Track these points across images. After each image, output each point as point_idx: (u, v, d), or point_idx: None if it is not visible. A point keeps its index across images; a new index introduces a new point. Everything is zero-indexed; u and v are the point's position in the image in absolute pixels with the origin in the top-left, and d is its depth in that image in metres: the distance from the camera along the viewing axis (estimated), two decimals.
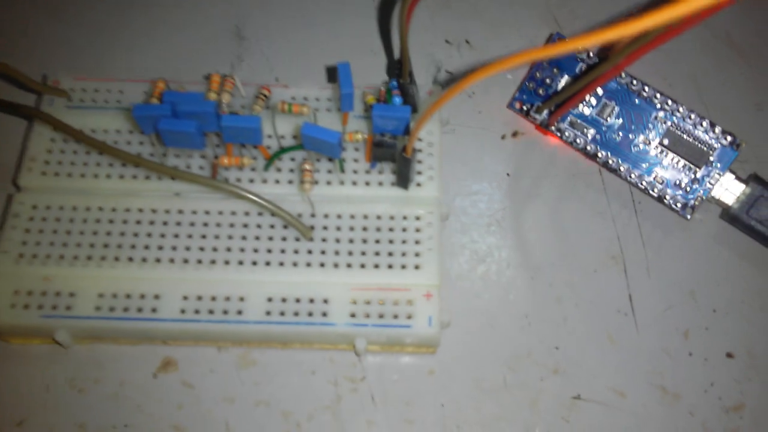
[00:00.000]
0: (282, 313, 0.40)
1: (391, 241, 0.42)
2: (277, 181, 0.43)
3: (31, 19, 0.52)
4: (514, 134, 0.49)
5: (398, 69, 0.44)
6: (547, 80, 0.48)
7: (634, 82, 0.46)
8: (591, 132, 0.47)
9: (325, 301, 0.40)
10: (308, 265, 0.41)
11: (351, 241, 0.42)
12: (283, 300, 0.40)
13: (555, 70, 0.48)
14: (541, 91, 0.48)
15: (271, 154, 0.43)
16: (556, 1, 0.54)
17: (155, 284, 0.40)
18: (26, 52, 0.44)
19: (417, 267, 0.41)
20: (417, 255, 0.42)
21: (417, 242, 0.42)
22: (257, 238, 0.42)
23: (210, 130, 0.41)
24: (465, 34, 0.53)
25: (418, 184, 0.44)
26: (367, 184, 0.44)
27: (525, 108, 0.49)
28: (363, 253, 0.42)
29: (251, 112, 0.43)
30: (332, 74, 0.51)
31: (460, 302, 0.43)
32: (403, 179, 0.43)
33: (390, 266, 0.41)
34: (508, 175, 0.48)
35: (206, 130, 0.41)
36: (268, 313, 0.40)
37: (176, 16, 0.53)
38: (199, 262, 0.41)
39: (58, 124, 0.41)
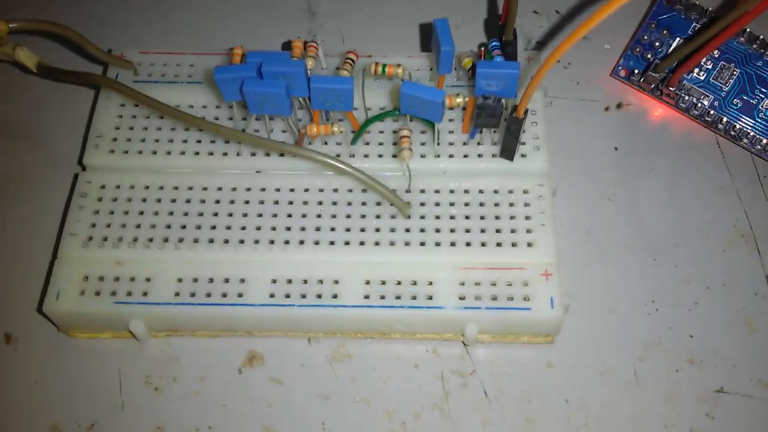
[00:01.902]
0: (382, 297, 0.35)
1: (497, 217, 0.37)
2: (366, 156, 0.39)
3: None
4: (619, 105, 0.45)
5: (500, 27, 0.40)
6: (657, 44, 0.44)
7: (758, 40, 0.42)
8: (708, 98, 0.42)
9: (430, 283, 0.36)
10: (407, 244, 0.37)
11: (452, 217, 0.37)
12: (383, 282, 0.36)
13: (665, 31, 0.43)
14: (649, 56, 0.44)
15: (359, 124, 0.39)
16: None
17: (240, 267, 0.36)
18: (88, 30, 0.40)
19: (530, 244, 0.37)
20: (529, 231, 0.37)
21: (527, 218, 0.37)
22: (348, 216, 0.38)
23: (298, 94, 0.37)
24: (554, 3, 0.49)
25: (523, 155, 0.39)
26: (466, 156, 0.39)
27: (632, 75, 0.44)
28: (467, 231, 0.37)
29: None
30: (425, 37, 0.46)
31: (575, 286, 0.38)
32: (508, 149, 0.38)
33: (499, 244, 0.37)
34: (615, 149, 0.43)
35: (294, 94, 0.37)
36: (366, 296, 0.35)
37: None
38: (287, 242, 0.37)
39: (127, 91, 0.37)
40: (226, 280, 0.36)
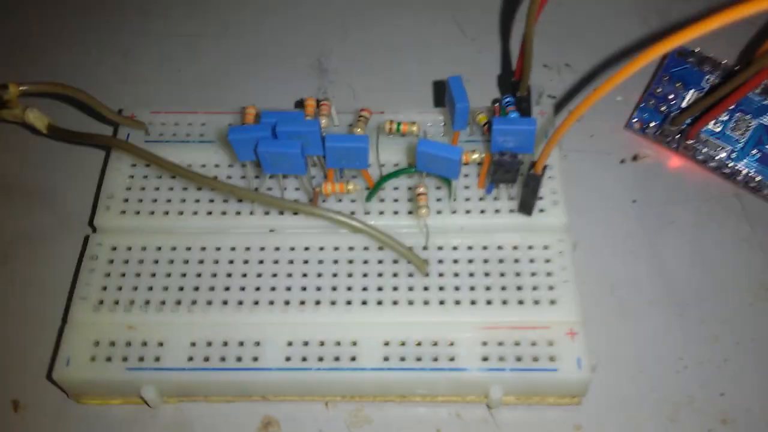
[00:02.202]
0: (402, 359, 0.34)
1: (518, 274, 0.37)
2: (381, 213, 0.39)
3: (101, 59, 0.49)
4: (635, 158, 0.44)
5: (514, 83, 0.40)
6: (670, 96, 0.43)
7: None
8: (725, 150, 0.42)
9: (452, 344, 0.34)
10: (426, 303, 0.36)
11: (471, 274, 0.37)
12: (402, 343, 0.35)
13: (678, 84, 0.43)
14: (663, 108, 0.43)
15: (374, 181, 0.38)
16: (656, 16, 0.50)
17: (255, 330, 0.35)
18: (98, 90, 0.40)
19: (553, 302, 0.36)
20: (551, 288, 0.36)
21: (549, 274, 0.36)
22: (365, 275, 0.37)
23: (312, 153, 0.36)
24: (564, 57, 0.49)
25: (541, 210, 0.38)
26: (482, 212, 0.39)
27: (647, 127, 0.44)
28: (488, 288, 0.36)
29: None
30: (438, 93, 0.46)
31: (600, 343, 0.37)
32: (526, 204, 0.38)
33: (521, 302, 0.36)
34: (634, 201, 0.42)
35: (309, 153, 0.36)
36: (386, 358, 0.34)
37: (254, 49, 0.49)
38: (302, 303, 0.36)
39: (138, 151, 0.36)
40: (241, 344, 0.35)
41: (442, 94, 0.45)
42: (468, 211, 0.39)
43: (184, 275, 0.37)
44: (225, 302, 0.36)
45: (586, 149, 0.45)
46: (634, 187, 0.43)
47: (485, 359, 0.34)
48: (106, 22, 0.51)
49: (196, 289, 0.36)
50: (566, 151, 0.44)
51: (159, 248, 0.38)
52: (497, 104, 0.39)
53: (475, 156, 0.37)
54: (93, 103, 0.39)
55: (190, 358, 0.34)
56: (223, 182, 0.36)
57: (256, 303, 0.36)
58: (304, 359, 0.34)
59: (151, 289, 0.36)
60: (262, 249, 0.38)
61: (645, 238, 0.41)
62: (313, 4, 0.52)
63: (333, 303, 0.36)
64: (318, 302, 0.36)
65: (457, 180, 0.37)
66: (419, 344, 0.35)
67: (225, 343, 0.35)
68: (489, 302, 0.36)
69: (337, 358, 0.34)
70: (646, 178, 0.44)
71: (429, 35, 0.50)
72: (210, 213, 0.39)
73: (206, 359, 0.34)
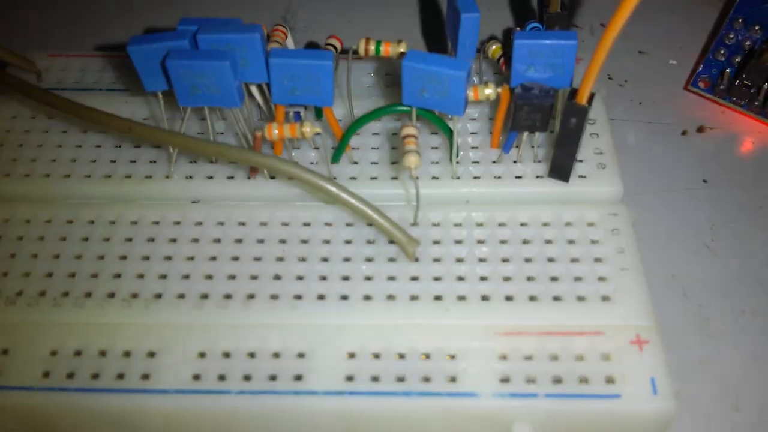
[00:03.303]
0: (375, 379, 0.22)
1: (551, 260, 0.24)
2: (353, 178, 0.27)
3: None
4: (700, 129, 0.33)
5: (541, 0, 0.29)
6: (747, 43, 0.32)
7: None
8: None
9: (453, 357, 0.22)
10: (414, 298, 0.24)
11: (483, 260, 0.24)
12: (376, 356, 0.22)
13: (756, 27, 0.32)
14: (737, 60, 0.32)
15: (343, 127, 0.27)
16: None
17: (151, 334, 0.23)
18: None
19: (607, 298, 0.23)
20: (603, 280, 0.24)
21: (598, 260, 0.24)
22: (324, 259, 0.25)
23: (251, 78, 0.25)
24: (598, 17, 0.38)
25: (581, 177, 0.27)
26: (498, 177, 0.27)
27: (717, 85, 0.32)
28: (506, 279, 0.24)
29: None
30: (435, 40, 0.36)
31: (676, 367, 0.24)
32: (563, 163, 0.26)
33: (557, 298, 0.23)
34: (704, 181, 0.31)
35: (246, 78, 0.25)
36: (349, 378, 0.22)
37: None
38: (227, 297, 0.24)
39: (26, 87, 0.25)
40: (126, 354, 0.22)
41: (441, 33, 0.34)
42: (477, 177, 0.27)
43: (56, 257, 0.25)
44: (111, 294, 0.24)
45: (634, 118, 0.34)
46: (704, 164, 0.32)
47: (505, 381, 0.22)
48: None
49: (72, 276, 0.24)
50: (610, 120, 0.33)
51: (27, 221, 0.26)
52: (517, 29, 0.28)
53: (488, 91, 0.25)
54: None
55: (46, 374, 0.22)
56: (137, 122, 0.24)
57: (159, 296, 0.24)
58: (222, 378, 0.22)
59: (5, 275, 0.24)
60: (177, 224, 0.26)
61: (725, 228, 0.29)
62: None
63: (274, 297, 0.24)
64: (251, 296, 0.24)
65: (461, 116, 0.25)
66: (402, 357, 0.22)
67: (102, 353, 0.22)
68: (509, 298, 0.24)
69: (273, 377, 0.22)
70: (719, 153, 0.32)
71: None
72: (108, 176, 0.27)
73: (70, 376, 0.22)
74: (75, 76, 0.31)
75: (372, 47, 0.26)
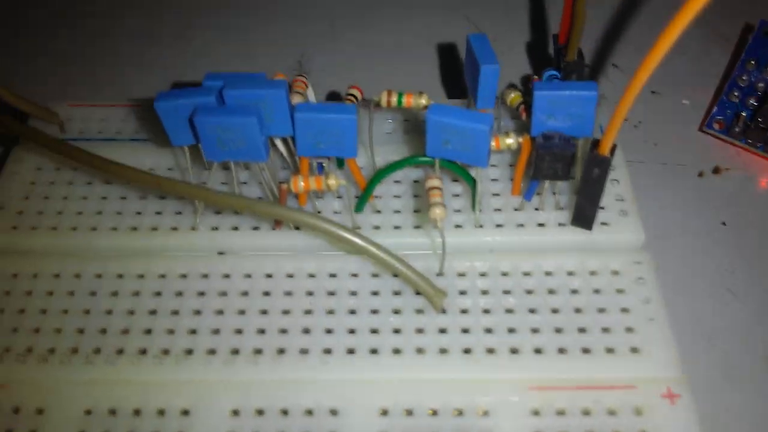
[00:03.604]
0: None
1: (578, 311, 0.25)
2: (377, 228, 0.27)
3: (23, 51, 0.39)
4: (716, 170, 0.33)
5: (558, 49, 0.29)
6: (760, 84, 0.33)
7: None
8: None
9: (485, 414, 0.22)
10: (443, 351, 0.24)
11: (510, 311, 0.25)
12: (408, 413, 0.22)
13: None
14: (751, 101, 0.33)
15: (365, 176, 0.27)
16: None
17: (184, 391, 0.23)
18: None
19: (635, 350, 0.24)
20: (630, 330, 0.24)
21: (625, 310, 0.25)
22: (352, 312, 0.25)
23: (277, 132, 0.25)
24: (610, 57, 0.39)
25: (603, 224, 0.27)
26: (520, 226, 0.27)
27: (732, 127, 0.33)
28: (534, 331, 0.24)
29: None
30: (451, 84, 0.36)
31: (703, 418, 0.24)
32: (586, 212, 0.26)
33: (586, 350, 0.24)
34: (723, 224, 0.31)
35: (272, 132, 0.25)
36: None
37: (220, 46, 0.39)
38: (258, 352, 0.24)
39: (51, 142, 0.25)
40: (161, 413, 0.23)
41: (458, 79, 0.34)
42: (499, 225, 0.27)
43: (87, 312, 0.25)
44: (143, 351, 0.24)
45: (650, 160, 0.34)
46: (721, 206, 0.32)
47: None
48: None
49: (103, 332, 0.25)
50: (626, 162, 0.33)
51: (57, 275, 0.26)
52: (535, 78, 0.28)
53: (510, 140, 0.26)
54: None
55: None
56: (166, 178, 0.25)
57: (189, 352, 0.24)
58: None
59: (37, 331, 0.25)
60: (205, 276, 0.26)
61: (745, 271, 0.30)
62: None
63: (303, 352, 0.24)
64: (281, 351, 0.24)
65: (485, 167, 0.25)
66: (434, 413, 0.22)
67: (136, 412, 0.23)
68: (538, 351, 0.24)
69: None
70: (737, 194, 0.32)
71: (437, 32, 0.40)
72: (135, 229, 0.27)
73: None
74: (97, 126, 0.31)
75: (394, 99, 0.26)
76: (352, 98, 0.28)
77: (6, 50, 0.39)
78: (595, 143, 0.24)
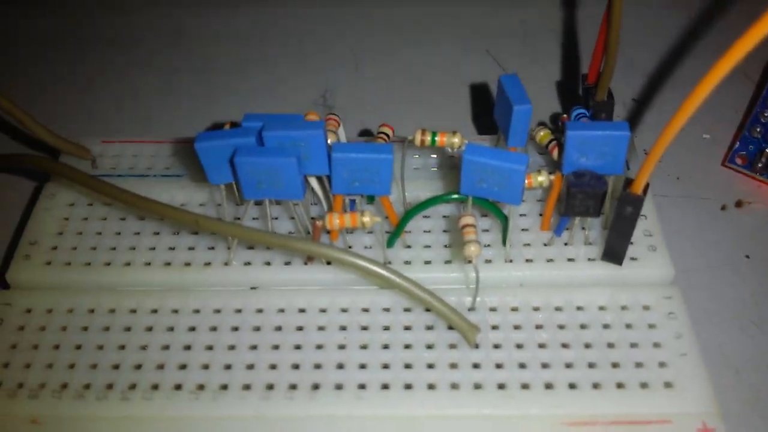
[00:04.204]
0: None
1: (611, 345, 0.25)
2: (407, 263, 0.27)
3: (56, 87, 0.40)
4: (739, 204, 0.33)
5: (587, 89, 0.30)
6: None
7: None
8: None
9: None
10: (477, 387, 0.24)
11: (542, 346, 0.25)
12: None
13: None
14: None
15: (398, 217, 0.28)
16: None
17: (219, 428, 0.23)
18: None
19: (669, 385, 0.24)
20: (663, 365, 0.24)
21: (657, 345, 0.25)
22: (385, 346, 0.25)
23: (313, 171, 0.26)
24: (630, 92, 0.40)
25: (633, 258, 0.27)
26: (550, 261, 0.27)
27: (755, 162, 0.33)
28: (568, 366, 0.24)
29: None
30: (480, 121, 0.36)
31: None
32: (617, 248, 0.27)
33: (620, 385, 0.24)
34: (747, 257, 0.31)
35: (308, 171, 0.25)
36: None
37: (242, 82, 0.40)
38: (293, 387, 0.24)
39: (84, 179, 0.26)
40: None
41: (484, 113, 0.35)
42: (529, 260, 0.27)
43: (122, 348, 0.25)
44: (178, 386, 0.24)
45: (673, 194, 0.34)
46: (744, 239, 0.32)
47: None
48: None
49: (138, 367, 0.25)
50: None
51: (91, 311, 0.26)
52: (564, 117, 0.29)
53: (542, 178, 0.26)
54: (26, 121, 0.29)
55: None
56: (187, 212, 0.25)
57: (224, 387, 0.24)
58: None
59: (72, 367, 0.25)
60: (239, 311, 0.26)
61: None
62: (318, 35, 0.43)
63: (338, 387, 0.24)
64: (316, 387, 0.24)
65: (518, 205, 0.26)
66: None
67: None
68: (573, 386, 0.24)
69: None
70: (760, 228, 0.32)
71: (461, 66, 0.41)
72: (168, 264, 0.28)
73: None
74: (129, 162, 0.32)
75: (428, 138, 0.27)
76: (384, 137, 0.28)
77: (39, 86, 0.40)
78: (628, 182, 0.25)
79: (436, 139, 0.27)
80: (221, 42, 0.42)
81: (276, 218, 0.29)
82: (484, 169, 0.24)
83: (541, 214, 0.29)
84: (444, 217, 0.29)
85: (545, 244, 0.28)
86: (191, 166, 0.31)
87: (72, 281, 0.27)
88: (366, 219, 0.25)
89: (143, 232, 0.29)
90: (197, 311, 0.26)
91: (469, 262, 0.24)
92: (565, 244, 0.28)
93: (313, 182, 0.27)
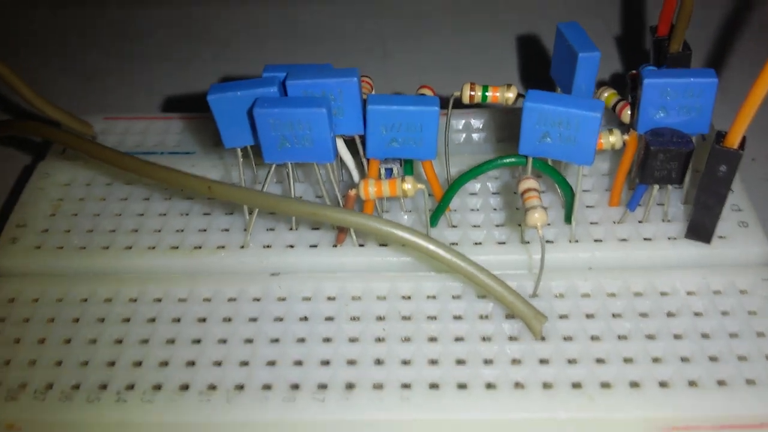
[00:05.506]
0: None
1: (705, 336, 0.20)
2: (454, 243, 0.23)
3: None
4: None
5: (657, 42, 0.26)
6: None
7: None
8: None
9: None
10: (547, 386, 0.19)
11: (623, 338, 0.20)
12: None
13: None
14: None
15: (442, 188, 0.24)
16: None
17: None
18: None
19: None
20: None
21: (760, 335, 0.20)
22: (432, 339, 0.21)
23: (346, 131, 0.22)
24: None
25: (721, 237, 0.23)
26: (623, 240, 0.23)
27: None
28: (657, 361, 0.20)
29: None
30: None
31: None
32: (704, 222, 0.22)
33: (722, 382, 0.19)
34: None
35: (340, 129, 0.22)
36: None
37: None
38: (322, 387, 0.20)
39: (88, 147, 0.22)
40: None
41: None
42: (598, 240, 0.23)
43: (119, 342, 0.21)
44: (185, 387, 0.20)
45: (749, 178, 0.30)
46: None
47: None
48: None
49: (137, 364, 0.21)
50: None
51: (84, 300, 0.22)
52: (633, 72, 0.25)
53: (614, 138, 0.22)
54: (25, 92, 0.26)
55: None
56: (217, 182, 0.21)
57: (241, 388, 0.20)
58: None
59: (59, 364, 0.21)
60: (257, 300, 0.22)
61: None
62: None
63: (377, 387, 0.20)
64: (350, 386, 0.20)
65: (590, 165, 0.21)
66: None
67: None
68: (664, 384, 0.19)
69: None
70: None
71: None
72: (176, 247, 0.24)
73: None
74: (135, 139, 0.28)
75: (478, 93, 0.23)
76: None
77: (44, 64, 0.37)
78: (720, 135, 0.20)
79: (488, 94, 0.23)
80: (249, 31, 0.39)
81: (300, 197, 0.25)
82: (550, 119, 0.20)
83: (607, 190, 0.25)
84: (494, 194, 0.25)
85: (616, 222, 0.24)
86: (205, 144, 0.27)
87: (64, 267, 0.24)
88: (408, 186, 0.21)
89: (147, 213, 0.25)
90: (208, 300, 0.22)
91: (538, 234, 0.20)
92: (639, 221, 0.24)
93: (342, 149, 0.23)
